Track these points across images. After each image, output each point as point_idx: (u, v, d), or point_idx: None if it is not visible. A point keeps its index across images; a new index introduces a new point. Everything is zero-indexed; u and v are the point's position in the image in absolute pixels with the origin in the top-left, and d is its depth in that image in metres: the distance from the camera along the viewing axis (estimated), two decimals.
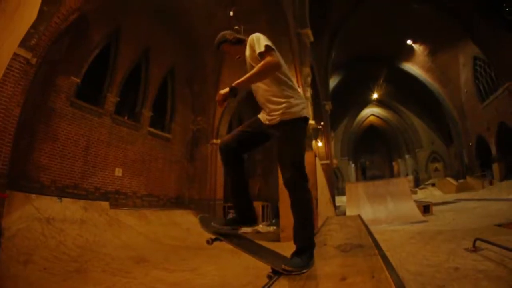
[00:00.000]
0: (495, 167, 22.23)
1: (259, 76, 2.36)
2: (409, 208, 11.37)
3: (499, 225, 6.78)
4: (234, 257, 6.95)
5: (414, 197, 13.64)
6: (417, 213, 11.01)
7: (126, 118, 11.19)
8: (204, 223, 2.66)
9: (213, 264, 6.03)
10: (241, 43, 2.73)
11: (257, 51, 2.37)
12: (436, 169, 36.45)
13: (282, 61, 2.42)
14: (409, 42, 27.06)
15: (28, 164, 7.86)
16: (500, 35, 17.81)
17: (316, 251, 2.30)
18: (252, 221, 2.72)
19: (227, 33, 2.78)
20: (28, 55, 6.08)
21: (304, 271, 2.04)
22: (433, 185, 29.47)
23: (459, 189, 23.29)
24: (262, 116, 2.63)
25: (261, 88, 2.55)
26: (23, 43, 5.89)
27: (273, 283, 1.87)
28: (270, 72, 2.37)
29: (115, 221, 8.37)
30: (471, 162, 26.82)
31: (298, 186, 2.30)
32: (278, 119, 2.38)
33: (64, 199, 7.58)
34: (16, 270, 4.65)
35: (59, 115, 8.68)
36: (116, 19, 10.35)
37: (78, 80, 9.17)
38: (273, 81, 2.45)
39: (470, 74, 24.63)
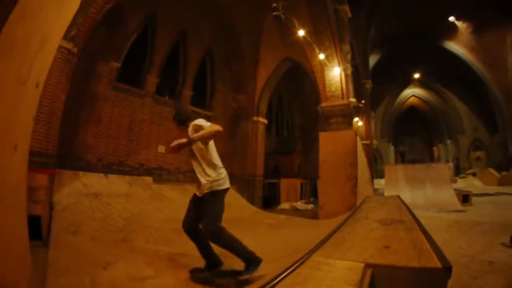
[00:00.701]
0: None
1: (209, 134, 3.53)
2: (448, 195, 11.02)
3: None
4: (273, 231, 7.12)
5: (454, 185, 13.16)
6: (455, 201, 10.66)
7: (167, 97, 11.49)
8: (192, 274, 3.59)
9: (252, 237, 6.05)
10: (184, 124, 3.81)
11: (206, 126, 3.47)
12: (478, 158, 34.21)
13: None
14: (451, 18, 25.00)
15: (75, 145, 8.34)
16: None
17: (358, 223, 2.70)
18: (219, 262, 3.65)
19: (178, 112, 4.02)
20: (69, 45, 6.36)
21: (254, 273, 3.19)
22: (474, 174, 27.73)
23: (501, 182, 21.80)
24: (196, 191, 3.69)
25: (195, 164, 3.71)
26: (64, 35, 6.18)
27: (316, 250, 1.97)
28: (217, 133, 3.57)
29: (158, 195, 8.73)
30: None
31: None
32: (206, 191, 3.48)
33: (110, 175, 7.97)
34: (67, 240, 4.90)
35: (102, 98, 9.09)
36: (150, 5, 10.52)
37: (118, 65, 9.50)
38: (204, 161, 3.62)
39: None
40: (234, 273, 3.35)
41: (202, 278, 3.47)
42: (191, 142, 3.43)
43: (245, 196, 12.70)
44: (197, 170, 3.65)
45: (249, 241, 5.68)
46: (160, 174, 10.44)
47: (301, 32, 10.43)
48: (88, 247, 4.77)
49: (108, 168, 8.84)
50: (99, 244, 4.98)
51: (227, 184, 3.67)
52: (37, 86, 1.83)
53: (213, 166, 3.63)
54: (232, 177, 12.79)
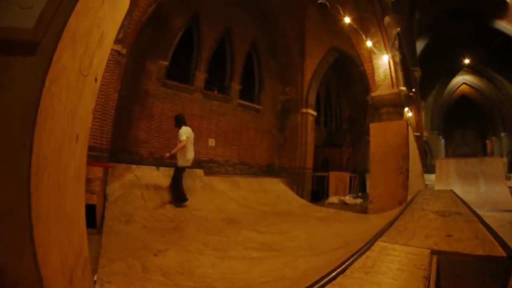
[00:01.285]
0: None
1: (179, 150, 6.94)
2: (502, 193, 10.35)
3: None
4: (322, 224, 7.09)
5: (508, 183, 12.38)
6: (510, 200, 9.97)
7: (216, 92, 11.73)
8: None
9: (302, 229, 6.13)
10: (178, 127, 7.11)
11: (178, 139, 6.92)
12: None
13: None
14: None
15: (128, 140, 8.76)
16: None
17: (416, 214, 2.81)
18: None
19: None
20: (118, 47, 6.74)
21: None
22: None
23: None
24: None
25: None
26: None
27: (380, 235, 1.97)
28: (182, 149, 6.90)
29: (209, 187, 8.90)
30: None
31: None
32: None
33: (161, 168, 8.22)
34: (119, 228, 5.14)
35: (153, 95, 9.45)
36: (192, 3, 10.73)
37: (166, 63, 9.82)
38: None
39: None
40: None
41: None
42: (171, 155, 6.98)
43: (294, 189, 12.70)
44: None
45: (299, 233, 5.78)
46: (210, 167, 10.67)
47: (347, 19, 10.19)
48: (140, 235, 4.97)
49: (159, 161, 9.08)
50: (150, 232, 5.16)
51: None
52: (96, 80, 1.92)
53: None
54: (282, 170, 13.32)
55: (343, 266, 1.39)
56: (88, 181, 5.29)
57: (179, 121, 7.35)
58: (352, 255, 1.57)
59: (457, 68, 33.37)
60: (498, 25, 23.90)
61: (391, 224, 2.38)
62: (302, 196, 12.51)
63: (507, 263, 1.33)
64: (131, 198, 6.67)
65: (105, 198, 6.16)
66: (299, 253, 4.23)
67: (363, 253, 1.59)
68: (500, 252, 1.42)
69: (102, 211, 5.66)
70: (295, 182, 13.05)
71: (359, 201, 12.41)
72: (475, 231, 1.96)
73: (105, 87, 6.49)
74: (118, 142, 8.16)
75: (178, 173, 7.23)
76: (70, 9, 1.30)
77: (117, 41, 6.65)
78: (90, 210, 4.91)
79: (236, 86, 12.32)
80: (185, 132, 7.13)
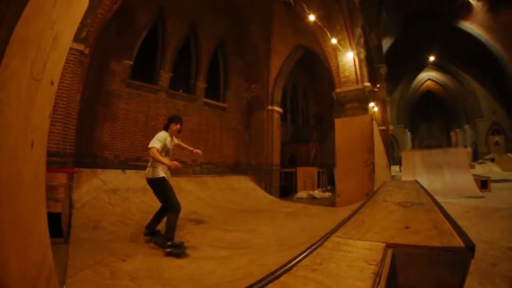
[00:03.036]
0: None
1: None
2: (466, 181, 10.84)
3: None
4: (290, 220, 7.17)
5: (472, 171, 12.98)
6: (474, 187, 10.46)
7: (181, 91, 11.59)
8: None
9: (270, 226, 6.25)
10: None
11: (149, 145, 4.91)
12: (497, 143, 32.68)
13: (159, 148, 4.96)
14: None
15: (92, 143, 8.53)
16: None
17: (377, 206, 2.84)
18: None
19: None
20: (80, 47, 6.48)
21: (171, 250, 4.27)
22: (492, 160, 27.14)
23: None
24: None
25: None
26: (75, 37, 6.27)
27: (335, 231, 1.99)
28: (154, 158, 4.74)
29: (176, 188, 8.60)
30: None
31: None
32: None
33: (128, 171, 8.08)
34: (87, 235, 5.03)
35: (117, 96, 9.23)
36: (157, 0, 10.61)
37: (131, 62, 9.62)
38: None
39: None
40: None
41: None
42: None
43: (262, 186, 12.80)
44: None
45: (267, 229, 5.85)
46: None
47: (311, 17, 10.36)
48: (108, 241, 4.89)
49: (125, 164, 9.00)
50: (118, 238, 5.10)
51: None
52: (52, 83, 1.87)
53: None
54: (249, 167, 13.21)
55: (290, 264, 1.40)
56: (52, 188, 5.13)
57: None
58: (302, 252, 1.58)
59: (423, 65, 35.09)
60: (463, 25, 25.73)
61: (349, 218, 2.41)
62: (270, 193, 12.63)
63: (465, 254, 1.36)
64: (98, 203, 6.53)
65: (71, 205, 5.98)
66: (266, 249, 4.32)
67: (314, 249, 1.60)
68: (458, 242, 1.45)
69: (69, 219, 5.49)
70: (263, 179, 13.16)
71: (327, 194, 12.64)
72: (434, 221, 1.99)
73: (66, 89, 6.28)
74: (82, 146, 7.95)
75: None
76: (17, 14, 1.27)
77: (79, 40, 6.46)
78: (56, 219, 4.76)
79: (201, 85, 12.24)
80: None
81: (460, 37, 27.16)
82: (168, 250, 4.25)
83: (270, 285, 1.20)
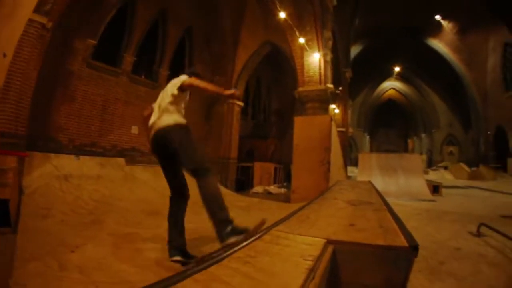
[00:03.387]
0: (510, 161, 21.75)
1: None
2: (419, 185, 11.31)
3: (505, 217, 6.64)
4: (244, 214, 7.12)
5: (426, 177, 13.60)
6: (426, 191, 10.95)
7: (143, 77, 11.28)
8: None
9: None
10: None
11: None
12: (451, 153, 35.35)
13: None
14: (437, 17, 25.58)
15: (46, 125, 8.12)
16: None
17: (326, 203, 2.83)
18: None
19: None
20: (43, 20, 6.10)
21: (241, 237, 2.45)
22: (445, 168, 28.82)
23: (471, 177, 22.64)
24: None
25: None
26: (38, 9, 5.94)
27: (277, 224, 1.95)
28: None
29: (130, 177, 8.68)
30: (487, 151, 25.99)
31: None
32: None
33: (82, 157, 7.87)
34: (36, 223, 4.82)
35: (77, 77, 8.83)
36: None
37: (95, 42, 9.22)
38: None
39: (499, 60, 23.46)
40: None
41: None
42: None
43: (218, 179, 12.67)
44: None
45: None
46: (133, 156, 10.26)
47: (282, 14, 10.37)
48: (58, 230, 4.68)
49: (79, 149, 8.65)
50: (68, 227, 4.89)
51: None
52: (4, 55, 1.72)
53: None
54: None
55: (223, 255, 1.35)
56: (0, 172, 4.84)
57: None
58: (239, 244, 1.53)
59: (388, 74, 36.56)
60: (430, 42, 28.00)
61: (294, 213, 2.39)
62: (226, 186, 12.59)
63: (408, 253, 1.35)
64: (49, 190, 6.33)
65: (20, 191, 5.71)
66: (217, 241, 4.26)
67: (252, 242, 1.56)
68: (402, 241, 1.44)
69: (18, 206, 5.21)
70: (219, 172, 13.15)
71: (283, 190, 12.78)
72: (381, 220, 2.00)
73: (23, 64, 5.92)
74: (36, 128, 7.51)
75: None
76: None
77: (43, 12, 6.09)
78: (3, 206, 4.50)
79: (164, 72, 11.97)
80: None
81: (427, 52, 29.02)
82: (232, 239, 2.58)
83: (196, 275, 1.13)
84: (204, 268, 1.19)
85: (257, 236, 1.68)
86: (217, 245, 2.91)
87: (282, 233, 1.70)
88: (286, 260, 1.26)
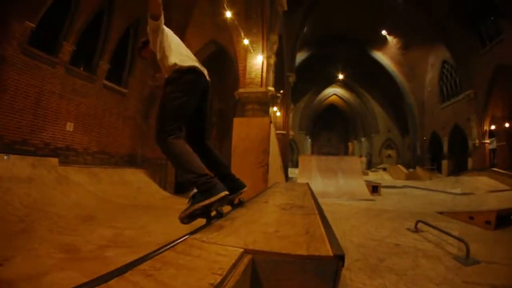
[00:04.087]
0: (444, 163, 25.08)
1: None
2: (359, 185, 11.82)
3: (441, 213, 7.07)
4: None
5: (365, 178, 14.30)
6: (365, 191, 11.49)
7: (81, 69, 10.54)
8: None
9: (161, 223, 6.05)
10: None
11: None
12: (389, 156, 38.31)
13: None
14: (383, 32, 28.00)
15: None
16: (473, 46, 19.21)
17: (255, 206, 2.74)
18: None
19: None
20: None
21: (205, 203, 2.18)
22: (384, 169, 31.18)
23: (408, 177, 24.79)
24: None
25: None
26: None
27: (195, 232, 1.81)
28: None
29: (65, 179, 8.12)
30: (423, 154, 28.91)
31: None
32: None
33: (12, 156, 7.19)
34: None
35: (9, 64, 7.98)
36: None
37: (33, 25, 8.40)
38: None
39: (436, 75, 26.51)
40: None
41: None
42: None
43: (156, 181, 12.46)
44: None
45: (157, 227, 5.63)
46: (67, 155, 9.61)
47: (228, 14, 10.25)
48: None
49: (9, 147, 7.87)
50: None
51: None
52: None
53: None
54: (145, 160, 12.79)
55: (128, 266, 1.22)
56: None
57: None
58: (148, 254, 1.40)
59: (331, 81, 38.55)
60: (374, 54, 30.78)
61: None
62: (165, 188, 12.40)
63: (334, 263, 1.27)
64: None
65: None
66: (153, 248, 4.07)
67: (163, 251, 1.44)
68: (327, 250, 1.34)
69: None
70: (158, 174, 12.86)
71: None
72: (308, 225, 1.92)
73: None
74: None
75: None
76: None
77: None
78: None
79: (104, 65, 11.31)
80: None
81: (370, 62, 31.53)
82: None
83: None
84: (104, 282, 1.07)
85: (170, 245, 1.54)
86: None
87: (197, 242, 1.58)
88: (192, 274, 1.15)
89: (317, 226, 1.87)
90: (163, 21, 2.72)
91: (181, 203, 9.11)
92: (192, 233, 1.75)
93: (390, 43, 28.62)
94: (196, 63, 2.81)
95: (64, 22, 9.76)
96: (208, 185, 2.25)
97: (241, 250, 1.38)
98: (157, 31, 2.70)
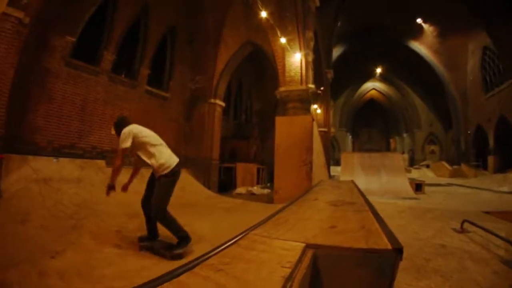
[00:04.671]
0: (490, 159, 22.49)
1: (115, 171, 4.37)
2: (402, 183, 11.46)
3: (487, 212, 6.77)
4: (228, 215, 7.13)
5: (408, 175, 13.86)
6: (409, 189, 11.13)
7: (123, 76, 11.02)
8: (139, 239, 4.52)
9: (207, 221, 6.21)
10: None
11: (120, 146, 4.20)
12: (432, 152, 36.68)
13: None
14: (419, 20, 26.30)
15: (24, 126, 7.78)
16: None
17: (306, 204, 2.79)
18: (157, 235, 4.51)
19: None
20: (20, 15, 5.95)
21: (181, 251, 4.02)
22: (427, 166, 29.88)
23: (452, 174, 23.63)
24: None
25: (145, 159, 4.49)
26: (14, 2, 5.75)
27: (254, 228, 1.87)
28: (117, 168, 4.34)
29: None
30: (467, 150, 26.83)
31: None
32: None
33: (61, 159, 7.65)
34: (14, 229, 4.69)
35: (55, 75, 8.47)
36: None
37: (74, 39, 8.90)
38: (146, 158, 4.42)
39: (478, 63, 24.36)
40: (170, 247, 4.12)
41: (145, 246, 4.29)
42: (112, 185, 4.35)
43: (200, 180, 12.64)
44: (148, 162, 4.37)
45: (203, 224, 5.74)
46: (113, 157, 9.95)
47: (263, 14, 10.35)
48: (37, 235, 4.59)
49: (58, 152, 8.36)
50: (48, 232, 4.79)
51: (168, 170, 4.26)
52: None
53: (153, 156, 4.33)
54: (187, 160, 12.92)
55: (195, 262, 1.26)
56: None
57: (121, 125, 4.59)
58: (213, 250, 1.44)
59: (369, 75, 37.50)
60: (411, 44, 28.87)
61: (273, 215, 2.32)
62: (208, 187, 12.51)
63: (392, 256, 1.28)
64: (28, 194, 6.13)
65: None
66: (201, 245, 4.34)
67: (227, 247, 1.48)
68: (385, 244, 1.36)
69: None
70: (201, 173, 13.01)
71: (266, 191, 12.76)
72: (363, 221, 1.93)
73: None
74: (13, 129, 7.19)
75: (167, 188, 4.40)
76: None
77: (19, 6, 5.97)
78: None
79: (145, 71, 11.72)
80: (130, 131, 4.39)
81: (408, 54, 29.86)
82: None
83: (165, 284, 1.06)
84: (175, 277, 1.12)
85: (233, 240, 1.59)
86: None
87: (259, 237, 1.63)
88: (262, 267, 1.19)
89: (371, 222, 1.89)
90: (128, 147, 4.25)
91: (225, 202, 9.45)
92: (250, 229, 1.81)
93: (426, 31, 26.92)
94: None
95: (103, 34, 10.22)
96: (184, 233, 4.17)
97: (303, 244, 1.42)
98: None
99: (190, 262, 1.26)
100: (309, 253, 1.35)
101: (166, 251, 4.03)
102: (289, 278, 1.07)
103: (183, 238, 4.09)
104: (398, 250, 1.28)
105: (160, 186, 4.23)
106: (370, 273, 1.31)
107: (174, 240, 4.17)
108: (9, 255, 3.61)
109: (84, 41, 9.41)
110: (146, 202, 4.42)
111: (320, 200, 3.08)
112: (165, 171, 4.23)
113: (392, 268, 1.28)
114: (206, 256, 1.33)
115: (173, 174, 4.33)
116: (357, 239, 1.49)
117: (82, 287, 2.98)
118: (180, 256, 3.93)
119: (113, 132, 4.67)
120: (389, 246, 1.33)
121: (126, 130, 4.28)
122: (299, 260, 1.24)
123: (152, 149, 4.35)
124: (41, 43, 8.05)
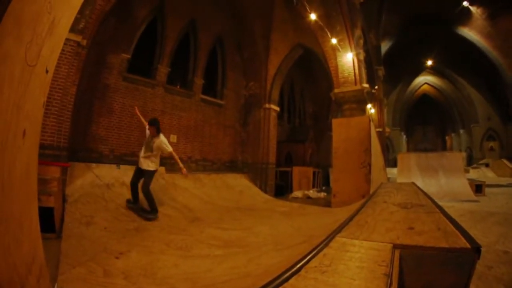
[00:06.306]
0: None
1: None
2: (461, 185, 10.88)
3: None
4: (286, 219, 7.11)
5: (466, 176, 13.08)
6: (468, 191, 10.52)
7: (178, 87, 11.50)
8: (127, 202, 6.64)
9: (266, 225, 6.20)
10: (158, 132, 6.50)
11: (168, 150, 6.42)
12: (492, 148, 33.22)
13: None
14: (465, 3, 23.75)
15: (87, 137, 8.41)
16: None
17: (377, 207, 2.83)
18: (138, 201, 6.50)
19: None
20: (78, 38, 6.39)
21: (151, 217, 6.20)
22: (486, 165, 27.35)
23: None
24: (140, 164, 6.36)
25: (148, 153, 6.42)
26: (72, 28, 6.20)
27: (339, 231, 1.93)
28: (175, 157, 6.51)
29: (171, 185, 8.80)
30: None
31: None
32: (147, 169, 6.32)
33: (122, 166, 8.05)
34: (80, 230, 4.92)
35: (113, 90, 9.10)
36: None
37: (129, 56, 9.49)
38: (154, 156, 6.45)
39: None
40: (144, 211, 6.31)
41: (130, 207, 6.44)
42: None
43: (257, 184, 12.77)
44: (147, 156, 6.36)
45: (263, 228, 5.80)
46: (172, 164, 10.23)
47: (313, 16, 10.33)
48: (101, 237, 4.81)
49: (120, 159, 8.90)
50: (112, 234, 5.01)
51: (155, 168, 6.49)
52: (47, 71, 1.78)
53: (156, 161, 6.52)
54: (245, 165, 13.24)
55: (298, 266, 1.32)
56: (45, 182, 5.04)
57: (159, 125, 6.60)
58: (309, 253, 1.50)
59: (420, 69, 35.03)
60: (461, 31, 26.01)
61: (351, 218, 2.36)
62: (265, 191, 12.58)
63: (471, 255, 1.33)
64: (92, 198, 6.43)
65: (64, 199, 5.86)
66: (263, 249, 4.26)
67: (321, 250, 1.53)
68: (464, 243, 1.41)
69: (62, 213, 5.37)
70: (258, 177, 13.12)
71: (322, 195, 12.63)
72: (437, 222, 1.95)
73: (62, 80, 6.23)
74: (77, 140, 7.85)
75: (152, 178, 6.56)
76: None
77: (77, 31, 6.40)
78: (48, 213, 4.67)
79: (199, 81, 12.12)
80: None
81: (458, 42, 27.40)
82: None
83: None
84: (285, 280, 1.19)
85: (324, 243, 1.66)
86: None
87: (348, 240, 1.69)
88: (361, 267, 1.26)
89: (445, 223, 1.92)
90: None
91: (282, 206, 9.48)
92: (335, 232, 1.89)
93: (474, 14, 24.32)
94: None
95: (156, 48, 10.77)
96: (155, 208, 6.27)
97: (391, 245, 1.49)
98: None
99: (292, 266, 1.34)
100: (397, 253, 1.43)
101: (142, 213, 6.23)
102: (388, 275, 1.15)
103: (154, 210, 6.22)
104: (476, 249, 1.34)
105: (149, 175, 6.30)
106: (451, 271, 1.37)
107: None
108: (76, 254, 3.81)
109: (138, 57, 10.00)
110: (135, 182, 6.36)
111: (389, 203, 3.11)
112: (154, 168, 6.43)
113: (470, 267, 1.34)
114: (305, 260, 1.41)
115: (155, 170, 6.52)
116: (437, 239, 1.55)
117: (147, 287, 3.05)
118: (149, 219, 6.09)
119: (148, 127, 6.57)
120: (468, 245, 1.39)
121: (166, 139, 6.58)
122: (392, 259, 1.32)
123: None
124: (100, 61, 8.71)
